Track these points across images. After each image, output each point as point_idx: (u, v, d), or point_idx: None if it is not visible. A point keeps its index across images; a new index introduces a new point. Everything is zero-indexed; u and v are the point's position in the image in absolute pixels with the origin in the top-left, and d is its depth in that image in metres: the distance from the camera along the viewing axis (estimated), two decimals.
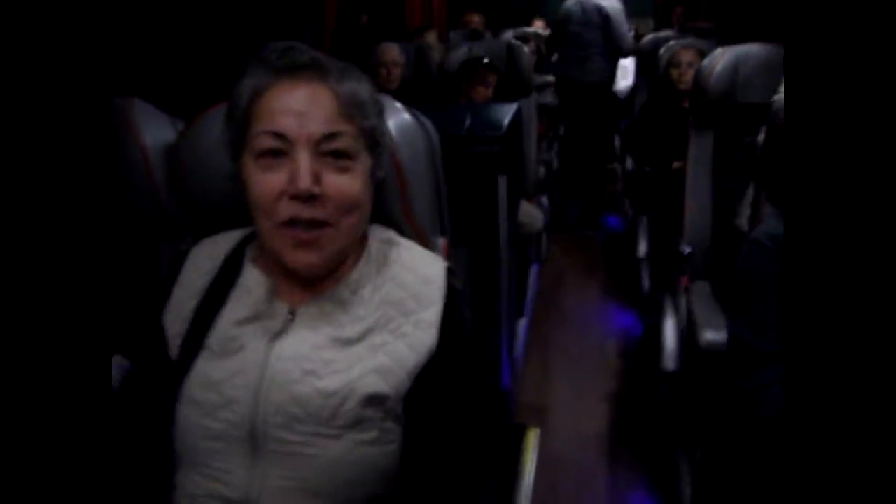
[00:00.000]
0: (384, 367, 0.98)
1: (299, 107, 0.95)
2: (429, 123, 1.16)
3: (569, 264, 4.17)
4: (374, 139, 1.01)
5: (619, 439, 2.55)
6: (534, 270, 3.50)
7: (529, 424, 1.43)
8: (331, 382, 0.96)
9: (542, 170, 3.57)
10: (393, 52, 3.33)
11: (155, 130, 1.29)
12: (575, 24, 4.58)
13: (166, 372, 1.02)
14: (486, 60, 3.33)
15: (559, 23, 4.73)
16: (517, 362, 2.71)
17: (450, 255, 1.20)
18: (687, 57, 3.24)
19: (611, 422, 2.66)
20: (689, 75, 3.10)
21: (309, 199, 0.94)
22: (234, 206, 1.12)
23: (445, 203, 1.18)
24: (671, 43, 3.48)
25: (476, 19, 5.51)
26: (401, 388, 0.98)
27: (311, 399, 0.95)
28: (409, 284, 1.02)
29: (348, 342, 0.99)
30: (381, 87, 2.64)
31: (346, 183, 0.97)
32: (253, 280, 1.03)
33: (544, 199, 3.63)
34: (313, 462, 0.95)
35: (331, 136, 0.96)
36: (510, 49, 3.52)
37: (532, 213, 2.94)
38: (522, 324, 2.97)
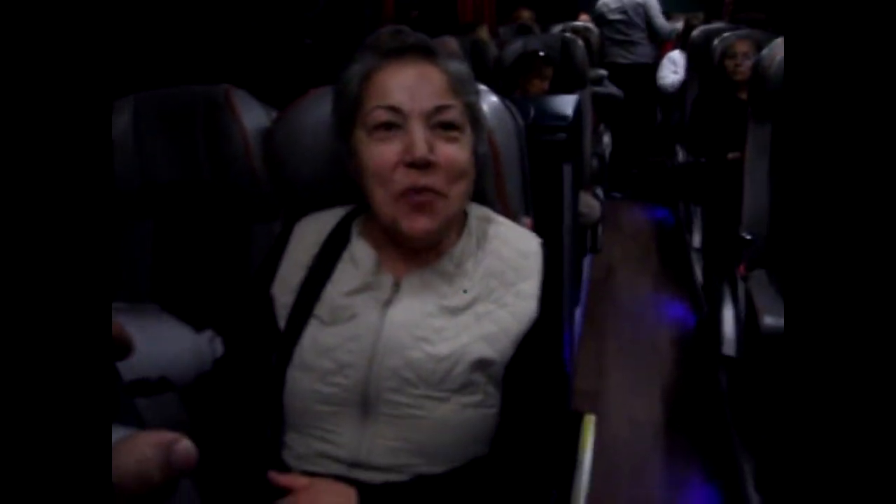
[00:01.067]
0: (491, 333, 1.03)
1: (411, 83, 1.02)
2: (514, 109, 1.22)
3: (620, 255, 4.19)
4: (475, 115, 1.08)
5: (674, 427, 2.56)
6: (587, 260, 3.53)
7: (585, 411, 1.47)
8: (442, 348, 1.02)
9: (595, 161, 3.60)
10: (451, 44, 3.37)
11: (252, 116, 1.37)
12: (615, 12, 5.46)
13: (275, 340, 1.08)
14: (541, 53, 3.37)
15: (598, 17, 5.58)
16: (574, 350, 2.75)
17: None
18: (742, 48, 3.24)
19: (665, 409, 2.67)
20: (745, 66, 3.10)
21: (424, 166, 1.00)
22: (323, 187, 1.19)
23: (528, 184, 1.24)
24: (726, 34, 3.48)
25: (526, 15, 5.54)
26: (505, 354, 1.03)
27: (423, 363, 1.01)
28: (509, 257, 1.08)
29: (455, 311, 1.04)
30: None
31: (456, 151, 1.03)
32: (361, 252, 1.09)
33: (599, 191, 3.66)
34: (421, 423, 1.01)
35: (440, 109, 1.02)
36: (564, 42, 3.55)
37: (590, 203, 2.98)
38: (578, 312, 3.01)
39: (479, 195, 1.16)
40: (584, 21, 5.85)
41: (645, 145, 5.49)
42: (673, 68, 5.07)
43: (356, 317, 1.05)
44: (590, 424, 1.37)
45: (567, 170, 1.98)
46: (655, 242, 4.44)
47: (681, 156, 4.03)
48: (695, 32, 4.16)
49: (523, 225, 1.20)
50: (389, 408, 1.01)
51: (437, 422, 1.01)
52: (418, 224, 1.02)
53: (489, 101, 1.20)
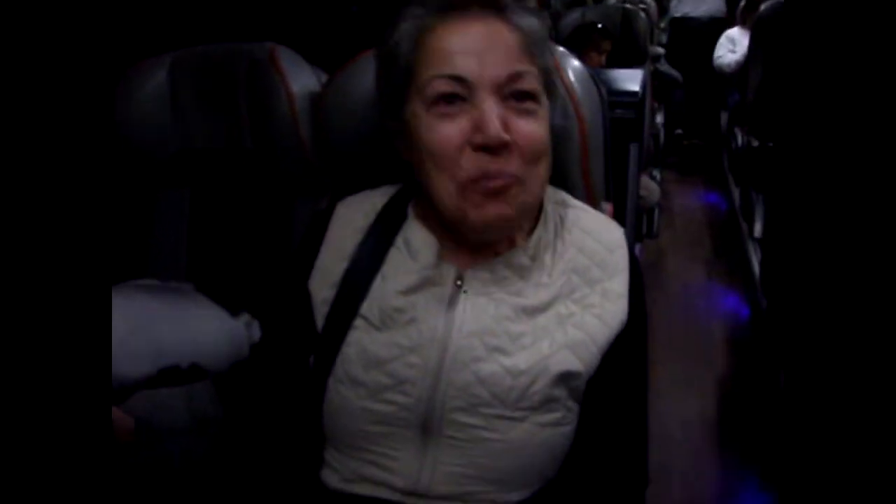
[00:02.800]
0: (575, 340, 0.88)
1: (478, 46, 0.85)
2: (598, 77, 1.07)
3: (670, 240, 4.04)
4: (551, 80, 0.92)
5: (729, 425, 2.45)
6: (637, 246, 3.39)
7: None
8: (520, 360, 0.86)
9: (650, 141, 3.44)
10: None
11: (300, 79, 1.23)
12: None
13: (312, 344, 0.93)
14: (600, 26, 3.21)
15: None
16: None
17: None
18: None
19: (719, 408, 2.56)
20: None
21: (498, 148, 0.83)
22: (377, 163, 1.06)
23: (610, 164, 1.09)
24: None
25: None
26: (591, 364, 0.89)
27: (498, 379, 0.86)
28: (592, 251, 0.93)
29: (533, 312, 0.89)
30: None
31: (534, 128, 0.86)
32: (419, 239, 0.93)
33: (656, 172, 3.49)
34: (492, 447, 0.86)
35: (515, 77, 0.85)
36: (625, 14, 3.38)
37: (650, 186, 2.83)
38: None
39: (560, 176, 1.01)
40: None
41: (700, 114, 5.35)
42: (730, 47, 4.82)
43: (415, 321, 0.89)
44: None
45: (633, 150, 1.84)
46: (708, 229, 4.27)
47: (740, 139, 3.84)
48: (764, 6, 3.92)
49: (603, 212, 1.05)
50: (455, 429, 0.86)
51: (511, 444, 0.86)
52: (493, 211, 0.85)
53: (572, 66, 1.05)
